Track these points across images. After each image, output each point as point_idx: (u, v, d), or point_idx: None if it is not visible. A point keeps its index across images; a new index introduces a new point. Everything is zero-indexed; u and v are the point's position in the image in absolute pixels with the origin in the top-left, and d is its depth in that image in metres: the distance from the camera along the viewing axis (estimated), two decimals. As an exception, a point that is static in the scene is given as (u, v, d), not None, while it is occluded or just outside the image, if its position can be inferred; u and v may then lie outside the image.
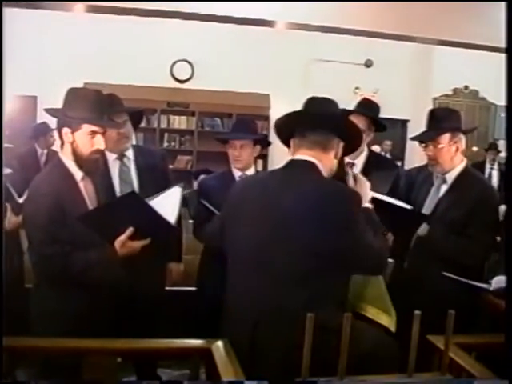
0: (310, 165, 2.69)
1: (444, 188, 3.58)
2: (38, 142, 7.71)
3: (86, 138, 2.93)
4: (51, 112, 3.04)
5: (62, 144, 2.98)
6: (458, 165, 3.57)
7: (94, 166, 3.00)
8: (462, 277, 3.28)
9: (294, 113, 2.79)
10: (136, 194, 3.00)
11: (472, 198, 3.45)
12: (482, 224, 3.43)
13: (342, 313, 2.07)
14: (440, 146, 3.49)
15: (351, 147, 2.87)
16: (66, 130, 2.92)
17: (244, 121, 4.44)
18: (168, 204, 2.99)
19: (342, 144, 2.77)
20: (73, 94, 2.98)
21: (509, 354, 2.33)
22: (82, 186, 2.97)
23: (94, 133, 2.94)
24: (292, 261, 2.53)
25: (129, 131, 3.67)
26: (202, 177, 5.62)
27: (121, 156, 3.65)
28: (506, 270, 2.86)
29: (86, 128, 2.92)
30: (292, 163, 2.74)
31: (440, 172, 3.57)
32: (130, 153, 3.70)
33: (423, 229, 3.48)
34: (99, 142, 2.96)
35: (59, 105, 2.99)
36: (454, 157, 3.54)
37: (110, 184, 3.53)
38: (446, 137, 3.49)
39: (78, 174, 2.96)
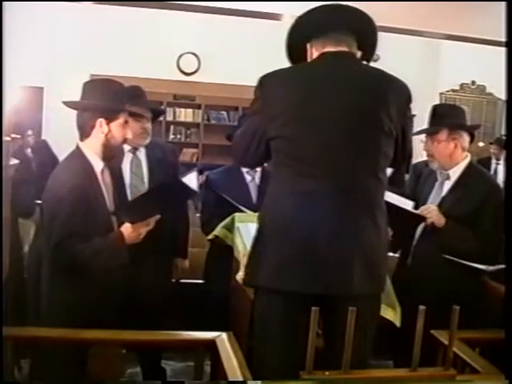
0: (349, 54, 2.59)
1: (448, 184, 3.56)
2: None
3: (120, 128, 2.98)
4: (76, 105, 3.01)
5: (86, 136, 2.97)
6: (462, 161, 3.55)
7: (121, 155, 3.05)
8: (472, 273, 3.31)
9: (320, 7, 2.63)
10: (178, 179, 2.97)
11: (479, 196, 3.44)
12: (492, 221, 3.40)
13: None
14: (437, 142, 3.49)
15: (366, 57, 2.73)
16: (100, 121, 2.92)
17: None
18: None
19: (356, 47, 2.64)
20: (100, 85, 3.01)
21: (509, 354, 2.33)
22: (100, 178, 2.98)
23: (126, 123, 3.01)
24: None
25: (149, 127, 3.73)
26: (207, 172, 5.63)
27: (134, 149, 3.67)
28: (506, 270, 2.86)
29: (121, 118, 2.98)
30: (327, 55, 2.58)
31: (439, 168, 3.56)
32: (142, 147, 3.73)
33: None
34: (129, 132, 3.04)
35: (66, 96, 2.99)
36: (453, 153, 3.52)
37: (121, 176, 3.54)
38: (443, 133, 3.48)
39: (98, 166, 2.97)
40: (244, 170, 4.06)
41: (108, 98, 2.94)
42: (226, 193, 3.82)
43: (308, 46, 2.66)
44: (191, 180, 2.95)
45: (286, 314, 2.48)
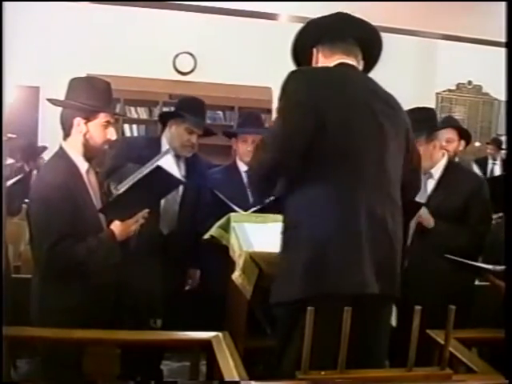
0: (358, 70, 2.61)
1: (431, 183, 3.62)
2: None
3: (100, 129, 2.91)
4: (57, 102, 2.98)
5: (67, 135, 2.93)
6: (441, 159, 3.65)
7: (103, 157, 3.00)
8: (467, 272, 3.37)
9: (332, 15, 2.63)
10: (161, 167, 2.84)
11: (465, 191, 3.53)
12: (479, 214, 3.51)
13: None
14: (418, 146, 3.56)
15: (367, 68, 2.71)
16: (78, 120, 2.87)
17: (255, 115, 4.46)
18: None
19: (362, 62, 2.65)
20: (83, 83, 2.95)
21: (509, 354, 2.34)
22: (86, 178, 2.93)
23: (108, 123, 2.93)
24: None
25: (196, 143, 3.80)
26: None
27: (177, 157, 3.70)
28: (506, 270, 2.87)
29: (102, 118, 2.91)
30: (343, 65, 2.57)
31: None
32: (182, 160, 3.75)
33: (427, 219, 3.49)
34: (112, 133, 2.96)
35: (62, 96, 2.97)
36: (433, 154, 3.61)
37: (100, 177, 3.53)
38: (422, 138, 3.53)
39: (83, 167, 2.92)
40: (242, 169, 4.05)
41: (88, 96, 2.88)
42: (223, 192, 3.81)
43: (314, 50, 2.65)
44: (170, 166, 2.91)
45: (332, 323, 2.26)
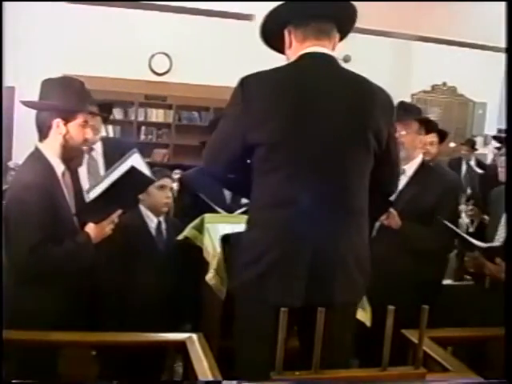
0: (330, 58, 2.50)
1: (403, 179, 3.60)
2: None
3: (79, 129, 2.88)
4: (32, 104, 2.94)
5: (44, 137, 2.89)
6: (416, 158, 3.68)
7: (81, 157, 2.97)
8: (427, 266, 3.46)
9: None
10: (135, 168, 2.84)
11: (437, 191, 3.57)
12: (448, 214, 3.53)
13: None
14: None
15: (340, 39, 2.62)
16: (58, 121, 2.83)
17: None
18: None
19: (338, 36, 2.56)
20: (58, 84, 2.92)
21: (509, 354, 2.35)
22: (62, 180, 2.90)
23: (85, 122, 2.91)
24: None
25: (98, 124, 3.64)
26: (177, 171, 5.60)
27: (89, 149, 3.60)
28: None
29: (80, 118, 2.88)
30: (308, 57, 2.48)
31: None
32: (98, 146, 3.67)
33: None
34: (89, 132, 2.94)
35: (36, 97, 2.93)
36: (417, 145, 3.67)
37: (78, 178, 3.47)
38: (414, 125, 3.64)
39: (59, 169, 2.89)
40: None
41: (65, 97, 2.85)
42: (200, 193, 3.81)
43: (286, 32, 2.54)
44: (139, 165, 2.89)
45: (267, 321, 2.36)
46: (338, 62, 2.53)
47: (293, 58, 2.53)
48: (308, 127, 2.37)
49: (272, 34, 2.60)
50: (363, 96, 2.48)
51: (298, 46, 2.52)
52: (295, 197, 2.34)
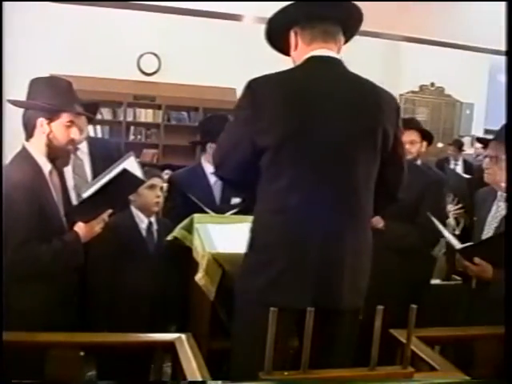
0: (337, 61, 2.51)
1: None
2: None
3: (63, 128, 2.88)
4: (17, 103, 2.95)
5: (30, 136, 2.90)
6: None
7: (67, 157, 2.97)
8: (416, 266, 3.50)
9: None
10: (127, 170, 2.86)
11: (418, 188, 3.56)
12: (431, 210, 3.51)
13: None
14: None
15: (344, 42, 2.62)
16: (41, 121, 2.84)
17: (224, 117, 4.42)
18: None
19: (343, 39, 2.57)
20: (44, 84, 2.93)
21: (508, 355, 2.37)
22: (49, 179, 2.90)
23: (71, 122, 2.90)
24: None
25: (83, 124, 3.64)
26: (167, 171, 5.59)
27: (74, 149, 3.59)
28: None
29: (65, 118, 2.88)
30: (315, 61, 2.48)
31: None
32: (83, 145, 3.66)
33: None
34: (75, 132, 2.93)
35: (24, 96, 2.93)
36: None
37: (63, 178, 3.46)
38: None
39: (46, 168, 2.89)
40: (208, 171, 4.03)
41: (50, 96, 2.86)
42: (190, 193, 3.81)
43: (292, 33, 2.54)
44: (133, 167, 2.91)
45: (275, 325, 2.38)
46: (344, 65, 2.54)
47: (298, 60, 2.54)
48: (316, 130, 2.37)
49: (277, 35, 2.60)
50: (370, 98, 2.49)
51: (304, 48, 2.52)
52: (302, 200, 2.35)
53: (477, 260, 3.12)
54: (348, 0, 2.56)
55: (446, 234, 3.37)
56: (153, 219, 3.64)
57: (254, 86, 2.43)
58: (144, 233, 3.58)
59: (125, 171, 2.79)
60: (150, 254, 3.57)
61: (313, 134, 2.36)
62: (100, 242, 3.07)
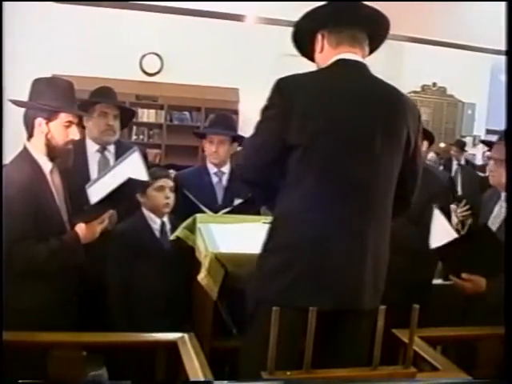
0: (362, 65, 2.53)
1: None
2: None
3: (62, 129, 2.89)
4: (17, 103, 2.96)
5: (30, 136, 2.92)
6: None
7: (67, 157, 2.97)
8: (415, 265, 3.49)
9: (331, 2, 2.55)
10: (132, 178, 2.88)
11: (425, 196, 3.50)
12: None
13: None
14: None
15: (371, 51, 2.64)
16: (39, 121, 2.86)
17: (224, 116, 4.43)
18: (134, 170, 2.94)
19: (367, 48, 2.59)
20: (45, 84, 2.95)
21: (509, 354, 2.37)
22: (50, 178, 2.92)
23: (69, 123, 2.91)
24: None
25: (115, 125, 3.70)
26: (171, 171, 5.57)
27: (102, 149, 3.66)
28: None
29: (63, 118, 2.89)
30: (342, 63, 2.49)
31: None
32: (111, 147, 3.71)
33: None
34: (74, 133, 2.94)
35: (26, 96, 2.95)
36: None
37: (88, 177, 3.49)
38: None
39: (46, 167, 2.91)
40: (212, 171, 4.04)
41: (50, 96, 2.87)
42: (192, 193, 3.81)
43: (319, 36, 2.55)
44: (137, 164, 2.93)
45: (296, 326, 2.29)
46: (370, 70, 2.55)
47: (323, 63, 2.55)
48: (344, 130, 2.37)
49: (304, 37, 2.61)
50: (396, 104, 2.50)
51: (330, 51, 2.52)
52: (327, 200, 2.36)
53: (464, 275, 3.10)
54: (357, 0, 2.56)
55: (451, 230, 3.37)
56: (165, 219, 3.62)
57: (282, 84, 2.42)
58: (157, 233, 3.58)
59: (129, 180, 2.81)
60: (165, 253, 3.56)
61: (340, 134, 2.37)
62: (114, 246, 3.19)
